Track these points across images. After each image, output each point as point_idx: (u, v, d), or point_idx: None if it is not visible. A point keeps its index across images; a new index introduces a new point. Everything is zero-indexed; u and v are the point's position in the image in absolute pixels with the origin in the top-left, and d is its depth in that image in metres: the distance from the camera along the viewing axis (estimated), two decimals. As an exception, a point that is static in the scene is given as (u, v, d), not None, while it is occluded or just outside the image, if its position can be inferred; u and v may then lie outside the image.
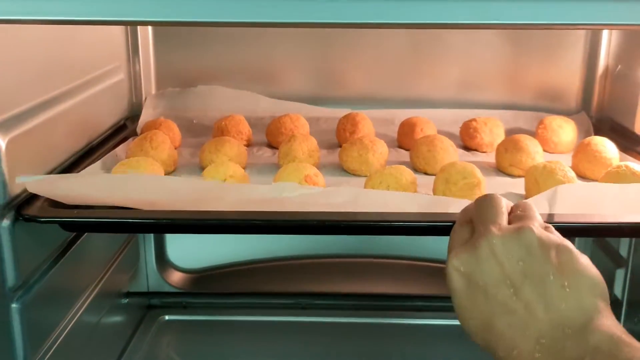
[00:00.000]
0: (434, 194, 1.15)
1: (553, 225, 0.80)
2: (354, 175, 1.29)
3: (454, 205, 1.02)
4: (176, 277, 1.78)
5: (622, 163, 1.14)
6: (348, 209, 0.99)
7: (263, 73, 1.70)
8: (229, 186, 1.04)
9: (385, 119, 1.61)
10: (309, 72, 1.72)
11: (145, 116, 1.57)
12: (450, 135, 1.53)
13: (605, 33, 1.59)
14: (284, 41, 1.68)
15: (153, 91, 1.67)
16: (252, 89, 1.68)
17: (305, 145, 1.29)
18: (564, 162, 1.16)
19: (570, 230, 0.93)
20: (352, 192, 1.02)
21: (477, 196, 1.07)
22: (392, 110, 1.63)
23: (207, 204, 0.99)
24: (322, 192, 1.01)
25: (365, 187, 1.15)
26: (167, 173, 1.28)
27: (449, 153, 1.30)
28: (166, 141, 1.30)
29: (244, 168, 1.32)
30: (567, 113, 1.62)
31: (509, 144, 1.31)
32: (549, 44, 1.65)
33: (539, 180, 1.13)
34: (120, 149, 1.35)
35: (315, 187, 1.05)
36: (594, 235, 1.54)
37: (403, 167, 1.16)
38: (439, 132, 1.51)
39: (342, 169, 1.32)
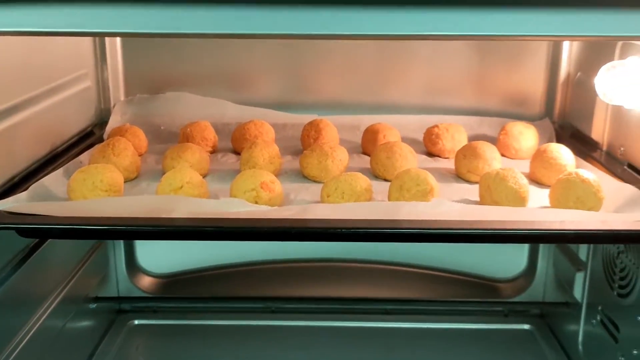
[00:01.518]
0: (389, 200, 1.17)
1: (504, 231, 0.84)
2: (314, 181, 1.31)
3: (403, 210, 1.04)
4: (146, 281, 1.79)
5: (573, 170, 1.16)
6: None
7: (232, 79, 1.72)
8: (179, 199, 1.06)
9: (352, 125, 1.63)
10: (277, 78, 1.73)
11: (112, 122, 1.58)
12: (414, 142, 1.56)
13: (566, 43, 1.61)
14: (252, 47, 1.69)
15: (122, 97, 1.68)
16: (220, 95, 1.70)
17: (266, 151, 1.31)
18: (516, 169, 1.18)
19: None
20: (299, 207, 1.04)
21: (430, 203, 1.10)
22: (359, 116, 1.65)
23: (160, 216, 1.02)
24: (270, 210, 1.03)
25: (321, 194, 1.17)
26: (129, 180, 1.29)
27: (408, 160, 1.32)
28: (129, 148, 1.31)
29: (205, 174, 1.33)
30: (531, 119, 1.64)
31: (467, 151, 1.33)
32: (513, 51, 1.68)
33: (491, 186, 1.16)
34: (84, 156, 1.36)
35: (262, 206, 1.07)
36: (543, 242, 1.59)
37: (359, 174, 1.17)
38: (404, 138, 1.54)
39: (303, 175, 1.34)
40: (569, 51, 1.62)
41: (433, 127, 1.50)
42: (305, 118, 1.59)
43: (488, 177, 1.17)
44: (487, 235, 1.00)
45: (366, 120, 1.61)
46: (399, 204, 1.05)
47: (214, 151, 1.50)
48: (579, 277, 1.51)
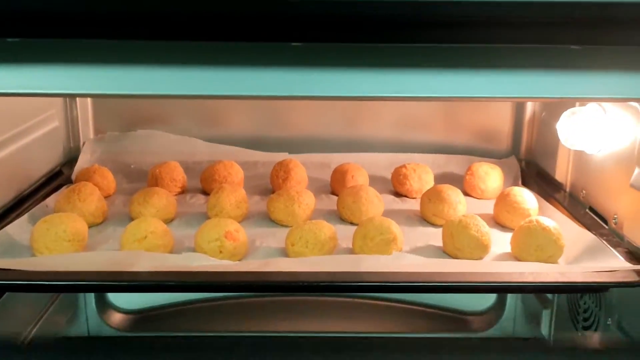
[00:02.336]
0: (353, 248, 1.18)
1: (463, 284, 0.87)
2: (281, 225, 1.32)
3: (365, 264, 1.05)
4: (117, 318, 1.78)
5: (534, 217, 1.18)
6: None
7: (203, 115, 1.72)
8: (142, 254, 1.06)
9: (322, 163, 1.65)
10: (249, 114, 1.74)
11: (81, 162, 1.58)
12: (383, 180, 1.58)
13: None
14: None
15: (91, 135, 1.68)
16: (191, 131, 1.70)
17: (233, 196, 1.31)
18: (478, 218, 1.20)
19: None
20: (260, 263, 1.05)
21: (393, 251, 1.11)
22: (329, 155, 1.66)
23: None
24: (232, 265, 1.04)
25: (286, 242, 1.17)
26: (94, 225, 1.29)
27: (374, 204, 1.33)
28: (94, 192, 1.31)
29: (172, 218, 1.33)
30: (499, 155, 1.67)
31: (432, 194, 1.35)
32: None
33: (454, 234, 1.17)
34: (50, 200, 1.36)
35: (224, 261, 1.07)
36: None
37: (323, 222, 1.18)
38: (373, 177, 1.55)
39: (270, 219, 1.34)
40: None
41: (401, 167, 1.52)
42: (276, 156, 1.60)
43: (451, 224, 1.19)
44: (447, 287, 1.02)
45: (337, 158, 1.63)
46: (360, 258, 1.06)
47: (183, 191, 1.51)
48: (546, 314, 1.53)
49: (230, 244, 1.13)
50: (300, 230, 1.16)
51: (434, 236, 1.27)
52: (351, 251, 1.19)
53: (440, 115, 1.73)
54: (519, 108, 1.68)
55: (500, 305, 1.78)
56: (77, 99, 1.64)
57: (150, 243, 1.13)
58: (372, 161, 1.63)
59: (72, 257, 1.07)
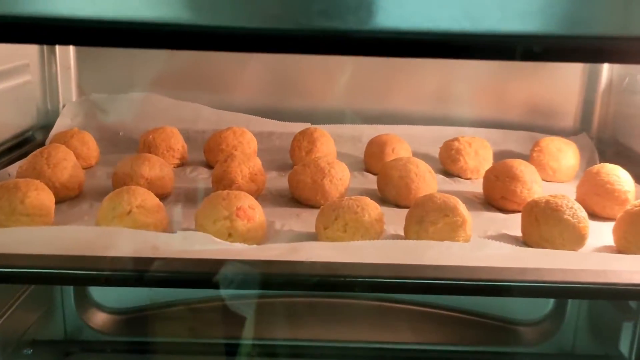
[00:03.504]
0: (406, 235, 0.89)
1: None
2: (307, 206, 1.03)
3: (430, 254, 0.76)
4: (100, 319, 1.49)
5: (646, 199, 0.89)
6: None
7: (209, 79, 1.43)
8: (122, 233, 0.77)
9: (352, 136, 1.36)
10: (263, 78, 1.45)
11: (59, 127, 1.29)
12: (427, 158, 1.28)
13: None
14: None
15: (73, 97, 1.39)
16: (194, 98, 1.41)
17: (246, 166, 1.03)
18: (571, 198, 0.91)
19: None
20: (285, 247, 0.76)
21: (461, 239, 0.82)
22: (360, 126, 1.38)
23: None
24: (247, 249, 0.75)
25: (316, 224, 0.88)
26: (67, 199, 1.00)
27: (426, 181, 1.04)
28: (69, 158, 1.02)
29: (168, 194, 1.04)
30: (564, 134, 1.37)
31: (501, 171, 1.05)
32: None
33: (540, 219, 0.88)
34: (13, 167, 1.07)
35: (236, 244, 0.77)
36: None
37: (366, 199, 0.89)
38: (415, 153, 1.26)
39: (293, 198, 1.06)
40: (612, 53, 1.35)
41: (452, 140, 1.23)
42: (295, 126, 1.32)
43: (535, 206, 0.90)
44: (558, 290, 0.73)
45: (368, 130, 1.34)
46: (426, 244, 0.77)
47: (182, 164, 1.22)
48: (627, 328, 1.23)
49: (242, 224, 0.84)
50: (337, 208, 0.87)
51: (505, 224, 0.99)
52: (401, 239, 0.90)
53: (490, 84, 1.45)
54: (592, 74, 1.39)
55: (558, 314, 1.49)
56: (58, 52, 1.35)
57: (136, 220, 0.84)
58: (411, 135, 1.34)
59: (21, 233, 0.78)
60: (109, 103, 1.38)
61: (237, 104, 1.43)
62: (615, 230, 0.90)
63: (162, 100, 1.39)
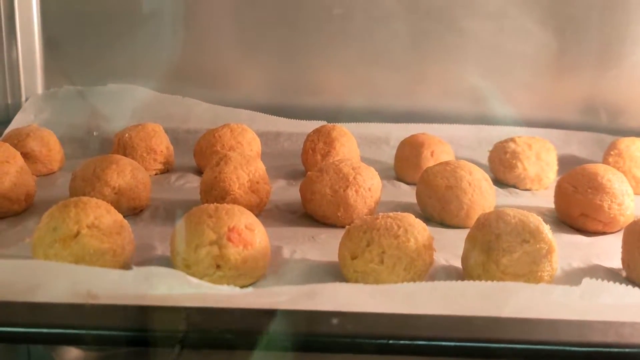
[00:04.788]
0: (465, 268, 0.64)
1: None
2: (325, 225, 0.78)
3: (516, 301, 0.50)
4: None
5: None
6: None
7: (204, 70, 1.20)
8: (58, 269, 0.52)
9: (377, 137, 1.13)
10: (269, 70, 1.22)
11: (18, 123, 1.06)
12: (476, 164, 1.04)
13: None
14: (233, 25, 1.18)
15: (39, 89, 1.15)
16: (186, 92, 1.17)
17: (245, 172, 0.78)
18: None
19: None
20: (296, 291, 0.50)
21: (546, 275, 0.57)
22: (387, 125, 1.14)
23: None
24: (241, 294, 0.50)
25: (340, 251, 0.63)
26: (11, 213, 0.76)
27: (483, 193, 0.79)
28: (14, 162, 0.79)
29: (142, 208, 0.80)
30: (635, 135, 1.12)
31: (581, 180, 0.80)
32: (607, 38, 1.16)
33: (656, 247, 0.63)
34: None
35: (223, 287, 0.51)
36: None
37: (410, 216, 0.64)
38: (457, 158, 1.01)
39: (307, 213, 0.80)
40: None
41: (506, 141, 0.98)
42: (309, 125, 1.07)
43: (646, 228, 0.64)
44: None
45: (397, 130, 1.10)
46: (506, 288, 0.51)
47: (166, 170, 0.98)
48: None
49: (237, 252, 0.60)
50: (370, 230, 0.62)
51: (591, 250, 0.74)
52: (458, 272, 0.65)
53: (544, 76, 1.20)
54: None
55: None
56: (19, 32, 1.11)
57: (86, 246, 0.60)
58: (449, 135, 1.10)
59: None
60: (82, 97, 1.14)
61: (240, 99, 1.19)
62: None
63: (147, 93, 1.16)
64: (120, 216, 0.65)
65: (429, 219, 0.81)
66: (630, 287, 0.50)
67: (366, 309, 0.49)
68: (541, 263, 0.61)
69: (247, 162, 0.79)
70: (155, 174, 0.96)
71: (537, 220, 0.62)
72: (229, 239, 0.60)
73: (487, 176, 0.82)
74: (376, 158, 1.07)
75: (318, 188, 0.77)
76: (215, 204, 0.64)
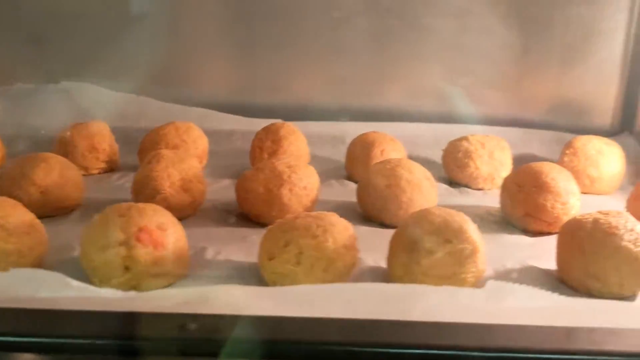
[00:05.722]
0: (390, 269, 0.61)
1: None
2: (259, 224, 0.75)
3: (423, 304, 0.48)
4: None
5: None
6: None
7: (160, 68, 1.17)
8: None
9: (333, 136, 1.10)
10: (231, 70, 1.19)
11: (-39, 122, 1.03)
12: (428, 163, 1.02)
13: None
14: (192, 22, 1.15)
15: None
16: (142, 90, 1.15)
17: (176, 170, 0.76)
18: (630, 216, 0.63)
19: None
20: (184, 294, 0.48)
21: (470, 276, 0.55)
22: (344, 124, 1.11)
23: None
24: (123, 297, 0.47)
25: (259, 252, 0.61)
26: None
27: (423, 192, 0.76)
28: None
29: (72, 207, 0.77)
30: (600, 134, 1.09)
31: (525, 179, 0.78)
32: (572, 36, 1.13)
33: (587, 246, 0.60)
34: None
35: (102, 290, 0.49)
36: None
37: (332, 215, 0.62)
38: (412, 157, 0.99)
39: (243, 213, 0.78)
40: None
41: (460, 139, 0.96)
42: (264, 123, 1.04)
43: (580, 229, 0.62)
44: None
45: (354, 128, 1.07)
46: (416, 290, 0.49)
47: (110, 169, 0.95)
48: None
49: (147, 252, 0.57)
50: (289, 230, 0.59)
51: (531, 251, 0.72)
52: (386, 274, 0.62)
53: (507, 75, 1.17)
54: (635, 60, 1.11)
55: None
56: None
57: (-13, 246, 0.57)
58: (409, 135, 1.08)
59: None
60: (33, 94, 1.12)
61: (201, 98, 1.17)
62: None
63: (100, 92, 1.14)
64: (31, 216, 0.62)
65: (368, 219, 0.78)
66: (536, 289, 0.47)
67: (260, 313, 0.47)
68: (465, 264, 0.58)
69: (180, 160, 0.77)
70: (99, 173, 0.94)
71: (462, 220, 0.60)
72: (138, 240, 0.57)
73: (428, 175, 0.79)
74: (330, 156, 1.05)
75: (252, 187, 0.75)
76: (129, 203, 0.61)
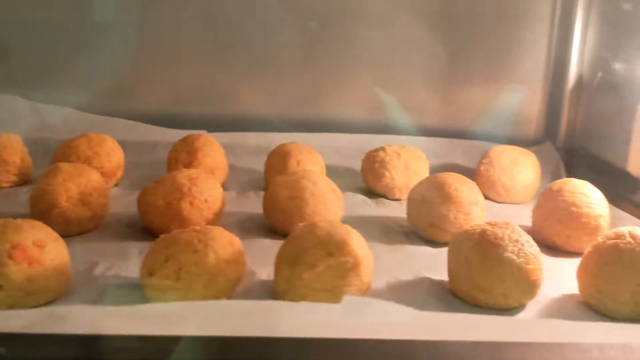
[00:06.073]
0: (276, 284, 0.60)
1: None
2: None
3: (288, 319, 0.47)
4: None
5: (625, 229, 0.62)
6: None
7: (86, 77, 1.15)
8: None
9: (257, 147, 1.09)
10: (160, 82, 1.18)
11: None
12: (350, 174, 1.02)
13: (577, 29, 1.09)
14: (126, 35, 1.14)
15: None
16: (66, 101, 1.13)
17: (74, 184, 0.74)
18: (517, 227, 0.63)
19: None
20: (35, 314, 0.47)
21: (354, 289, 0.55)
22: (270, 135, 1.11)
23: None
24: None
25: (141, 267, 0.60)
26: None
27: (327, 203, 0.76)
28: None
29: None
30: (524, 143, 1.11)
31: (429, 190, 0.78)
32: (496, 47, 1.15)
33: (472, 258, 0.60)
34: None
35: None
36: None
37: (216, 229, 0.61)
38: (334, 167, 1.00)
39: (144, 226, 0.77)
40: (580, 44, 1.09)
41: (377, 150, 0.96)
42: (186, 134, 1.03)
43: (467, 240, 0.62)
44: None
45: (280, 139, 1.06)
46: (273, 307, 0.48)
47: (22, 182, 0.93)
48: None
49: (20, 270, 0.56)
50: (170, 245, 0.58)
51: (431, 262, 0.71)
52: (273, 290, 0.62)
53: (435, 86, 1.18)
54: (557, 74, 1.13)
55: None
56: None
57: None
58: (335, 145, 1.08)
59: None
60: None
61: (135, 109, 1.15)
62: (581, 274, 0.63)
63: (22, 103, 1.11)
64: None
65: (275, 231, 0.78)
66: (392, 303, 0.47)
67: (120, 332, 0.45)
68: (347, 277, 0.58)
69: (78, 174, 0.75)
70: (10, 187, 0.91)
71: (345, 233, 0.60)
72: (10, 257, 0.56)
73: (334, 186, 0.79)
74: (253, 167, 1.04)
75: (152, 200, 0.74)
76: (5, 219, 0.60)
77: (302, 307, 0.47)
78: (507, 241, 0.60)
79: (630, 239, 0.60)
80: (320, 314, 0.46)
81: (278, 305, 0.47)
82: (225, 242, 0.59)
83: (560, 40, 1.11)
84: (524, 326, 0.49)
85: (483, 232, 0.62)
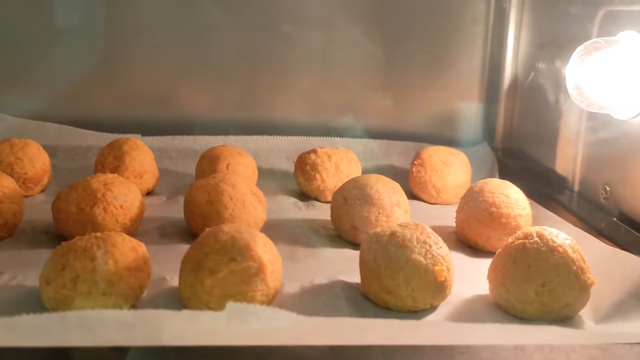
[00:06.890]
0: (180, 290, 0.59)
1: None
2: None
3: (172, 327, 0.46)
4: None
5: (533, 229, 0.62)
6: None
7: (26, 79, 1.12)
8: None
9: (194, 150, 1.07)
10: (110, 85, 1.16)
11: None
12: (285, 176, 1.02)
13: (511, 31, 1.09)
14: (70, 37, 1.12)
15: None
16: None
17: (-15, 191, 0.72)
18: (428, 227, 0.63)
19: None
20: None
21: (259, 295, 0.54)
22: (205, 138, 1.09)
23: None
24: None
25: (40, 276, 0.58)
26: None
27: (246, 207, 0.75)
28: None
29: None
30: (464, 144, 1.11)
31: (351, 192, 0.77)
32: (432, 48, 1.15)
33: (381, 260, 0.60)
34: None
35: None
36: None
37: (119, 235, 0.60)
38: (267, 170, 1.00)
39: (59, 231, 0.75)
40: (514, 43, 1.09)
41: (308, 152, 0.95)
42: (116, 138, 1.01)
43: (376, 242, 0.61)
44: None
45: (215, 142, 1.05)
46: (158, 316, 0.47)
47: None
48: None
49: None
50: (67, 253, 0.57)
51: (347, 265, 0.71)
52: (177, 296, 0.60)
53: (375, 85, 1.17)
54: (493, 75, 1.13)
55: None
56: None
57: None
58: (272, 147, 1.07)
59: None
60: None
61: (81, 114, 1.12)
62: (491, 274, 0.62)
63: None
64: None
65: (196, 236, 0.76)
66: (277, 309, 0.46)
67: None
68: (251, 282, 0.57)
69: (-7, 179, 0.73)
70: None
71: (250, 238, 0.58)
72: None
73: (255, 189, 0.78)
74: (185, 171, 1.03)
75: (64, 206, 0.72)
76: None
77: (185, 315, 0.45)
78: (415, 243, 0.60)
79: (537, 239, 0.60)
80: (203, 322, 0.44)
81: (161, 315, 0.46)
82: (127, 249, 0.58)
83: (495, 42, 1.11)
84: (407, 329, 0.49)
85: (392, 234, 0.61)
